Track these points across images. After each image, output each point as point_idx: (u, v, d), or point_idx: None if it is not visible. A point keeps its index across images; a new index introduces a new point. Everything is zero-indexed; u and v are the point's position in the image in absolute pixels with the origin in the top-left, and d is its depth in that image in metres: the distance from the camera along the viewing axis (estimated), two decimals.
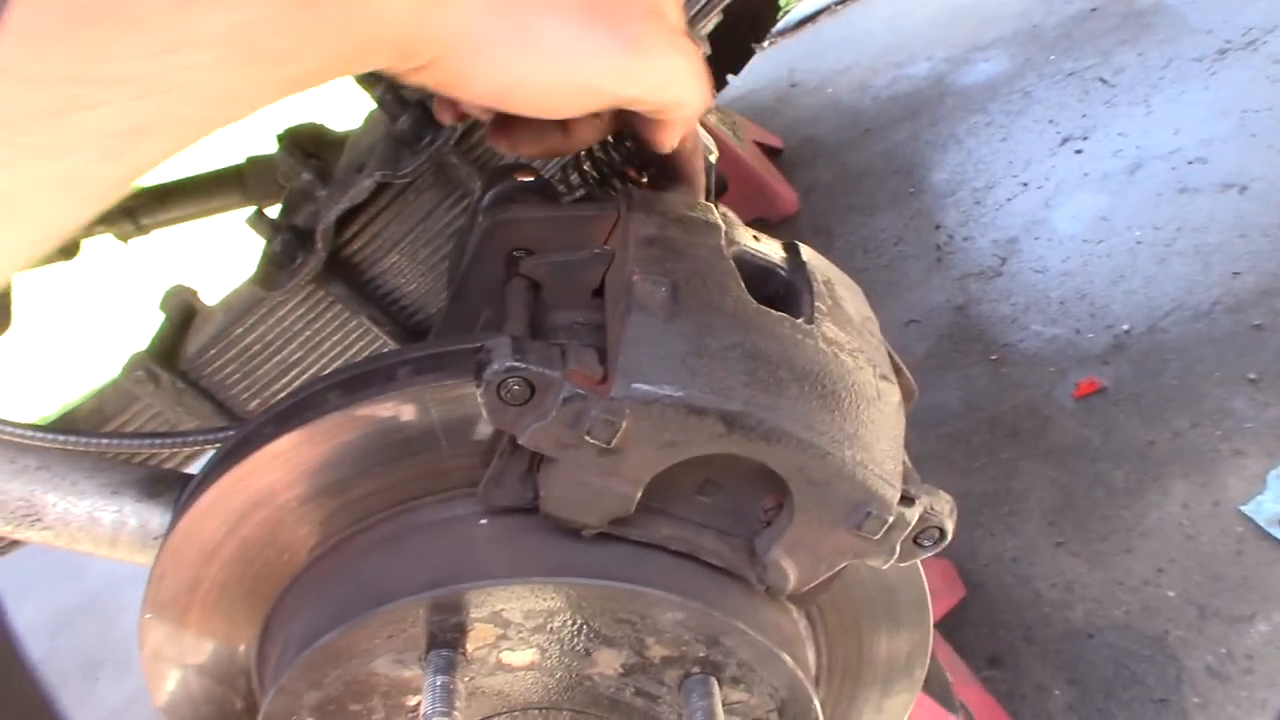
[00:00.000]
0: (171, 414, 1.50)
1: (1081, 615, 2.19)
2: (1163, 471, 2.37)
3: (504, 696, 0.82)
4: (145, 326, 1.57)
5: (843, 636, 0.93)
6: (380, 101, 1.24)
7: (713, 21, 1.24)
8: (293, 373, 1.46)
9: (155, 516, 1.15)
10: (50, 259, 1.75)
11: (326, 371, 1.46)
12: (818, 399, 0.71)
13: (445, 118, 0.89)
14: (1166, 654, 2.04)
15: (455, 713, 0.74)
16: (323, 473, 0.80)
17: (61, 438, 1.16)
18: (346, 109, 1.64)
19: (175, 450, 1.41)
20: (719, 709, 0.77)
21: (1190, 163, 3.16)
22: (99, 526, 1.22)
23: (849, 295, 0.86)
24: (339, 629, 0.77)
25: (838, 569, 0.78)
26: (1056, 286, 3.00)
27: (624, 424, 0.67)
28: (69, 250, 1.76)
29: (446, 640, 0.77)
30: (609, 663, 0.79)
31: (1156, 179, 3.17)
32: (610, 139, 0.91)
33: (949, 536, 0.78)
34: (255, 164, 1.82)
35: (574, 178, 0.93)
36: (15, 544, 1.58)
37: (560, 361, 0.68)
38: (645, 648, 0.78)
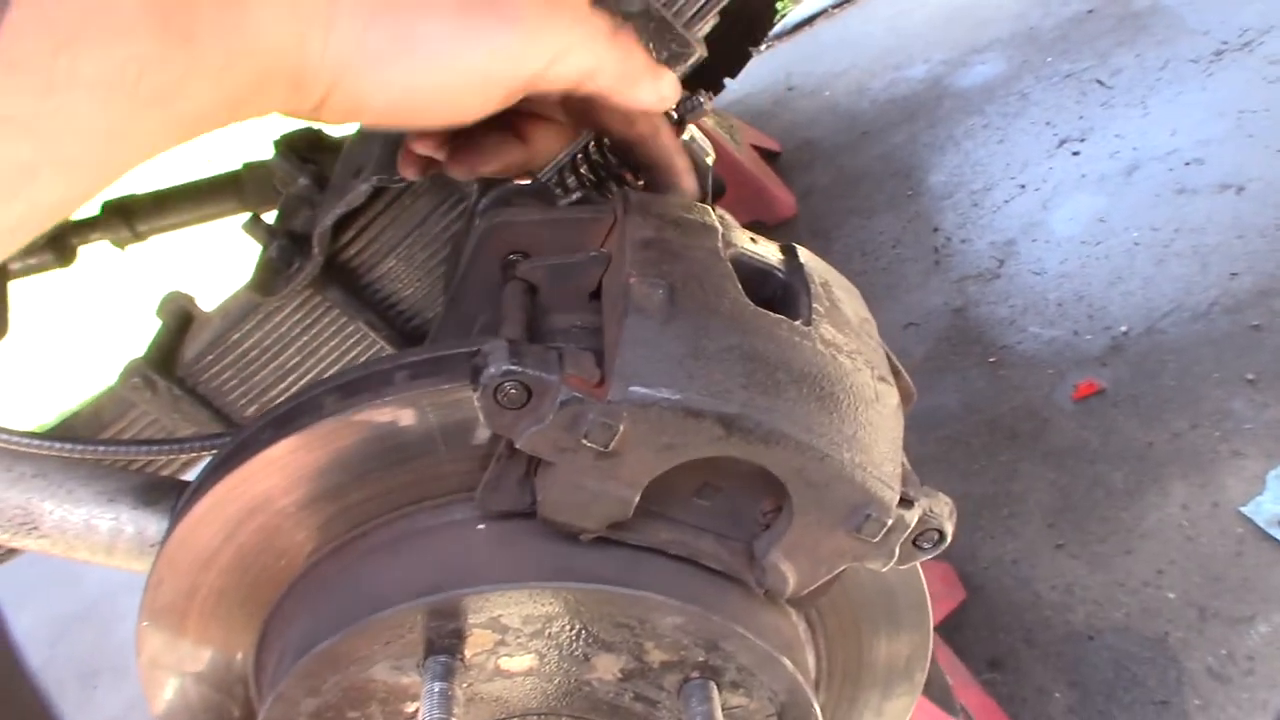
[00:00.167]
0: (168, 421, 1.49)
1: (1082, 617, 2.19)
2: (1162, 473, 2.37)
3: (502, 702, 0.82)
4: (143, 333, 1.57)
5: (842, 640, 0.93)
6: None
7: (709, 24, 1.24)
8: (290, 378, 1.46)
9: (152, 524, 1.15)
10: (47, 266, 1.75)
11: (322, 378, 1.46)
12: (816, 401, 0.71)
13: (409, 173, 0.89)
14: (1167, 656, 2.04)
15: (453, 719, 0.73)
16: (319, 478, 0.80)
17: (57, 445, 1.16)
18: None
19: (172, 457, 1.41)
20: (718, 714, 0.77)
21: (1187, 164, 3.16)
22: (96, 534, 1.22)
23: (847, 297, 0.86)
24: (336, 635, 0.76)
25: (837, 572, 0.77)
26: (1054, 288, 3.00)
27: (621, 427, 0.67)
28: (65, 257, 1.76)
29: (444, 646, 0.76)
30: (608, 668, 0.79)
31: (1154, 180, 3.17)
32: (606, 141, 0.91)
33: (949, 539, 0.77)
34: (252, 170, 1.81)
35: (570, 180, 0.93)
36: (12, 552, 1.57)
37: (557, 365, 0.68)
38: (644, 652, 0.78)
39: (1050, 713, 2.07)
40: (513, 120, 0.86)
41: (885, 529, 0.73)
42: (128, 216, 1.75)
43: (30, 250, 1.61)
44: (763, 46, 5.05)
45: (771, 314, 0.75)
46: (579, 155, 1.06)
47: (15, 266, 1.64)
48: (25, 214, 0.55)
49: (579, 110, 0.84)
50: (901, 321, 3.19)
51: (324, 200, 1.31)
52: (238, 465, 0.79)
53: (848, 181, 3.94)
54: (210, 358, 1.45)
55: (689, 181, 0.91)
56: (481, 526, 0.79)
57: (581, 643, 0.77)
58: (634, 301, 0.70)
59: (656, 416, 0.66)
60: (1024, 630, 2.22)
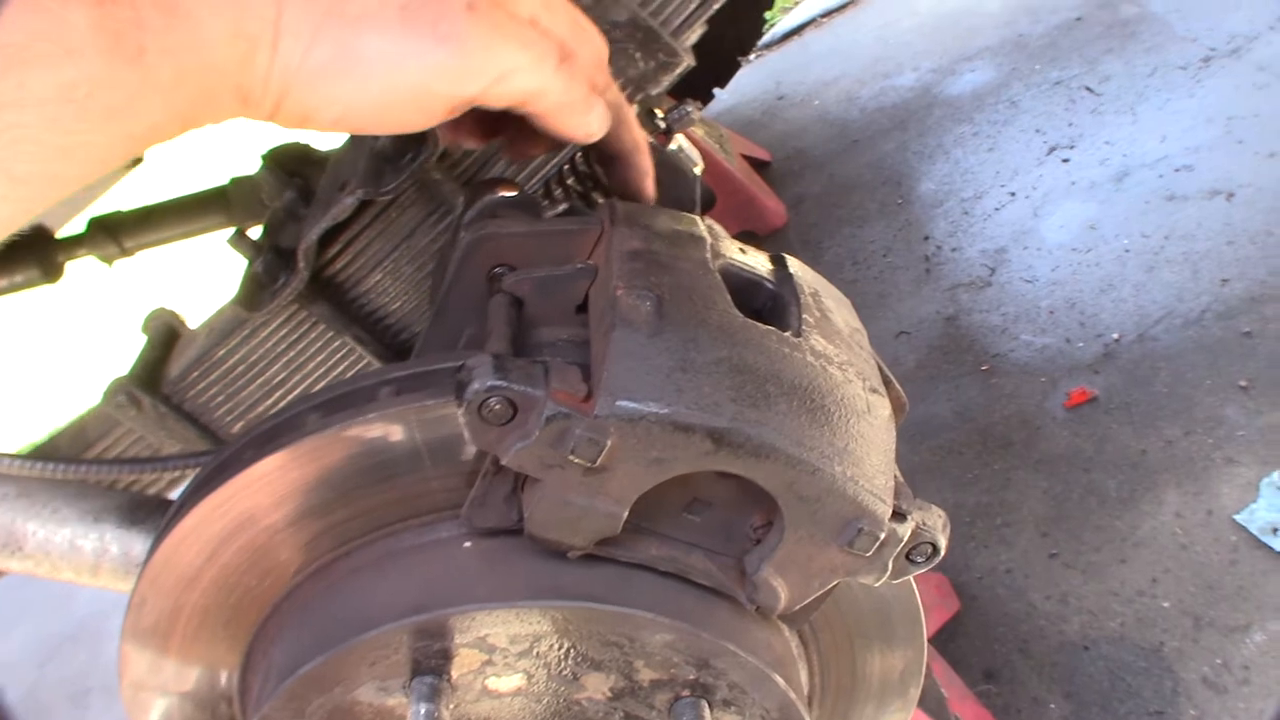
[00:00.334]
0: (154, 438, 1.48)
1: (1077, 627, 2.18)
2: (1155, 481, 2.36)
3: None
4: (129, 349, 1.55)
5: (835, 655, 0.91)
6: None
7: (697, 33, 1.23)
8: (277, 394, 1.44)
9: (138, 543, 1.13)
10: (33, 282, 1.74)
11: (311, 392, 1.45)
12: (806, 413, 0.70)
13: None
14: (1162, 666, 2.03)
15: None
16: (302, 496, 0.78)
17: (39, 465, 1.14)
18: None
19: (157, 476, 1.39)
20: None
21: (1177, 170, 3.16)
22: (80, 555, 1.20)
23: (837, 307, 0.85)
24: (321, 657, 0.75)
25: (829, 587, 0.76)
26: (1046, 296, 3.00)
27: (609, 442, 0.66)
28: (52, 274, 1.74)
29: (431, 667, 0.75)
30: (597, 687, 0.78)
31: (1144, 187, 3.17)
32: (592, 153, 0.90)
33: (942, 552, 0.76)
34: (239, 184, 1.80)
35: (557, 192, 0.92)
36: None
37: (543, 379, 0.67)
38: (634, 671, 0.76)
39: None
40: None
41: (878, 543, 0.72)
42: (114, 233, 1.73)
43: (16, 267, 1.59)
44: (752, 56, 5.05)
45: (761, 325, 0.74)
46: (565, 166, 1.05)
47: (1, 284, 1.62)
48: None
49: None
50: (893, 330, 3.19)
51: (310, 214, 1.30)
52: (220, 484, 0.78)
53: (838, 190, 3.94)
54: (196, 374, 1.43)
55: (648, 185, 0.90)
56: (468, 544, 0.77)
57: (570, 662, 0.76)
58: (621, 314, 0.69)
59: (645, 431, 0.65)
60: (1019, 641, 2.21)
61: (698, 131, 3.68)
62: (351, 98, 0.68)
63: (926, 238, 3.47)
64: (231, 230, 1.45)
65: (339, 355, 1.40)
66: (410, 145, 1.19)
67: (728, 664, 0.76)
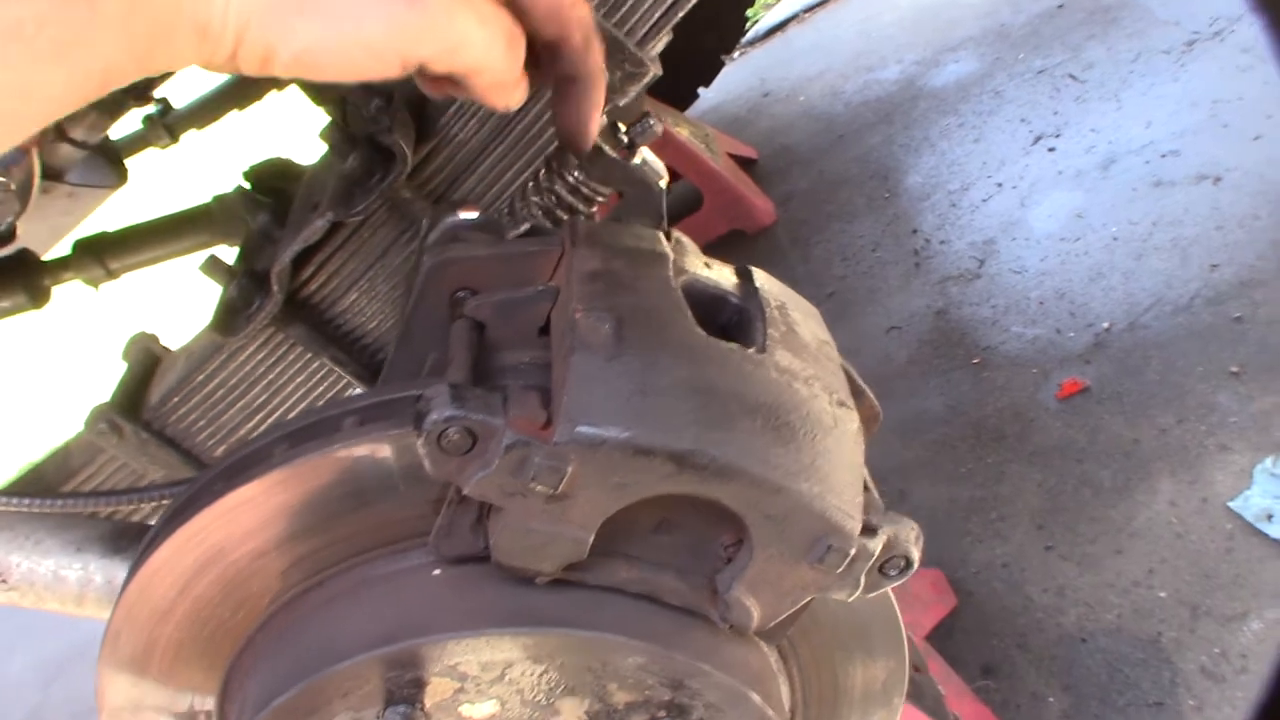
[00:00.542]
0: (138, 464, 1.47)
1: (1074, 620, 2.17)
2: (1149, 470, 2.35)
3: None
4: (112, 375, 1.55)
5: (817, 668, 0.91)
6: (329, 140, 1.23)
7: (663, 41, 1.22)
8: (258, 416, 1.44)
9: (121, 572, 1.13)
10: (21, 308, 1.73)
11: (290, 415, 1.44)
12: (771, 432, 0.69)
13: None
14: (1160, 656, 2.02)
15: None
16: (272, 527, 0.78)
17: (15, 501, 1.14)
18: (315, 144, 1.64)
19: (135, 507, 1.39)
20: None
21: (1163, 156, 3.15)
22: (65, 585, 1.20)
23: (804, 319, 0.84)
24: (293, 689, 0.75)
25: (803, 604, 0.76)
26: (1035, 286, 2.99)
27: (570, 469, 0.65)
28: (39, 299, 1.74)
29: (404, 696, 0.74)
30: (572, 711, 0.77)
31: (1130, 174, 3.16)
32: (556, 170, 0.89)
33: (915, 565, 0.76)
34: (221, 202, 1.80)
35: (522, 212, 0.91)
36: None
37: (501, 408, 0.66)
38: (608, 694, 0.76)
39: (1045, 718, 2.05)
40: None
41: (848, 559, 0.71)
42: (100, 255, 1.73)
43: (3, 293, 1.59)
44: (736, 53, 5.05)
45: (723, 343, 0.73)
46: (530, 184, 1.04)
47: None
48: None
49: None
50: (884, 326, 3.18)
51: (283, 237, 1.30)
52: (190, 517, 0.78)
53: (826, 186, 3.93)
54: (176, 399, 1.43)
55: (595, 119, 0.86)
56: (437, 572, 0.77)
57: (543, 687, 0.76)
58: (580, 337, 0.69)
59: (605, 456, 0.65)
60: (1016, 635, 2.21)
61: (683, 132, 3.68)
62: (315, 37, 0.67)
63: (915, 231, 3.46)
64: (215, 248, 1.46)
65: (318, 376, 1.39)
66: (378, 166, 1.19)
67: (702, 684, 0.75)
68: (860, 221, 3.66)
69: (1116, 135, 3.33)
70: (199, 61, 0.66)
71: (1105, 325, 2.75)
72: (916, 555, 0.75)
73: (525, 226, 0.86)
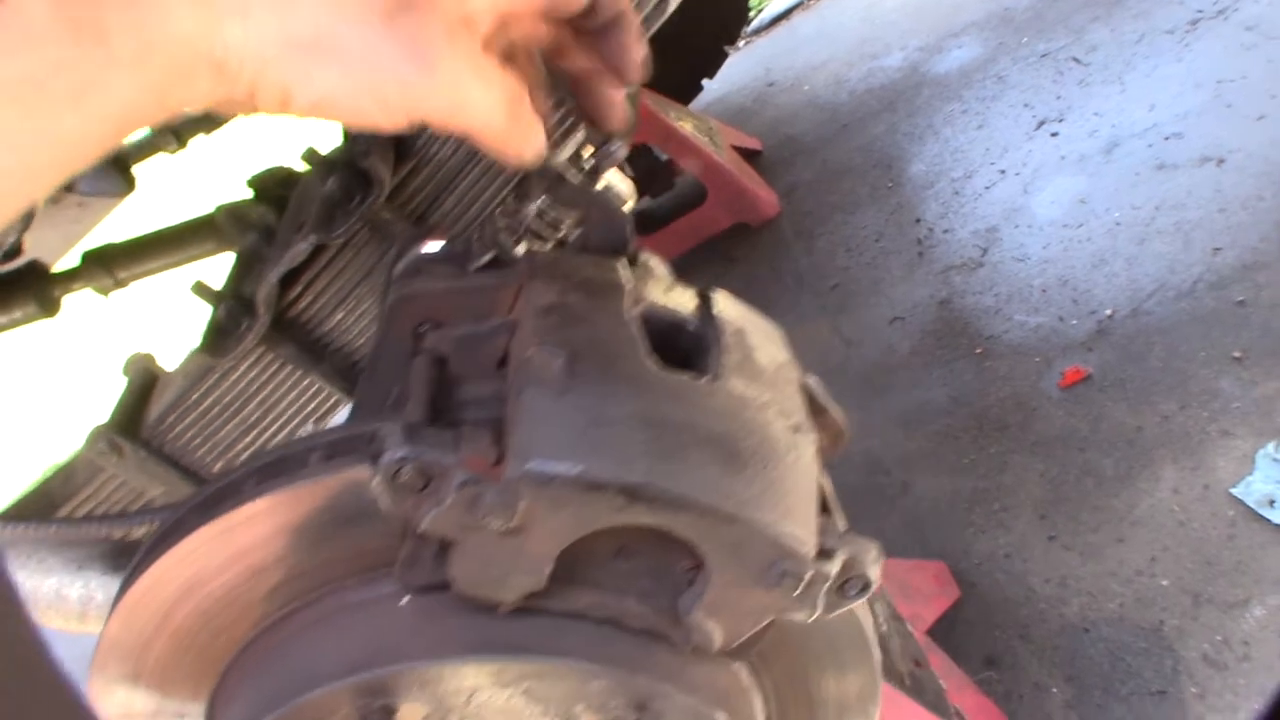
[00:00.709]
0: (138, 482, 1.50)
1: (1077, 609, 2.18)
2: (1152, 457, 2.35)
3: None
4: (113, 391, 1.58)
5: (790, 682, 0.92)
6: (309, 162, 1.24)
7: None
8: (254, 433, 1.46)
9: None
10: (31, 318, 1.76)
11: (286, 429, 1.47)
12: (722, 461, 0.70)
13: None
14: (1163, 645, 2.03)
15: None
16: (244, 559, 0.80)
17: (10, 527, 1.17)
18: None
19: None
20: None
21: (1167, 138, 3.14)
22: (67, 603, 1.23)
23: (764, 342, 0.85)
24: (267, 718, 0.77)
25: (763, 625, 0.77)
26: (1038, 274, 2.98)
27: (522, 504, 0.67)
28: (49, 308, 1.77)
29: None
30: None
31: (1134, 157, 3.15)
32: (522, 196, 0.90)
33: (875, 584, 0.77)
34: (226, 211, 1.82)
35: (489, 238, 0.92)
36: None
37: (453, 446, 0.68)
38: (574, 716, 0.77)
39: (1047, 709, 2.06)
40: None
41: (804, 582, 0.72)
42: (108, 264, 1.76)
43: (14, 303, 1.62)
44: (740, 43, 5.04)
45: (675, 374, 0.74)
46: (498, 212, 1.05)
47: (0, 320, 1.65)
48: None
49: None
50: (888, 316, 3.18)
51: (270, 258, 1.32)
52: (166, 550, 0.80)
53: (830, 176, 3.93)
54: (173, 418, 1.45)
55: (638, 50, 0.85)
56: (404, 601, 0.78)
57: (511, 711, 0.77)
58: (531, 372, 0.70)
59: (556, 492, 0.66)
60: (1019, 626, 2.21)
61: (686, 126, 3.68)
62: (331, 85, 0.68)
63: (918, 220, 3.46)
64: (223, 255, 1.48)
65: (310, 393, 1.42)
66: (357, 188, 1.20)
67: (666, 705, 0.77)
68: (864, 211, 3.66)
69: (1120, 118, 3.32)
70: (220, 99, 0.67)
71: (1108, 312, 2.74)
72: (876, 575, 0.76)
73: (488, 256, 0.87)
